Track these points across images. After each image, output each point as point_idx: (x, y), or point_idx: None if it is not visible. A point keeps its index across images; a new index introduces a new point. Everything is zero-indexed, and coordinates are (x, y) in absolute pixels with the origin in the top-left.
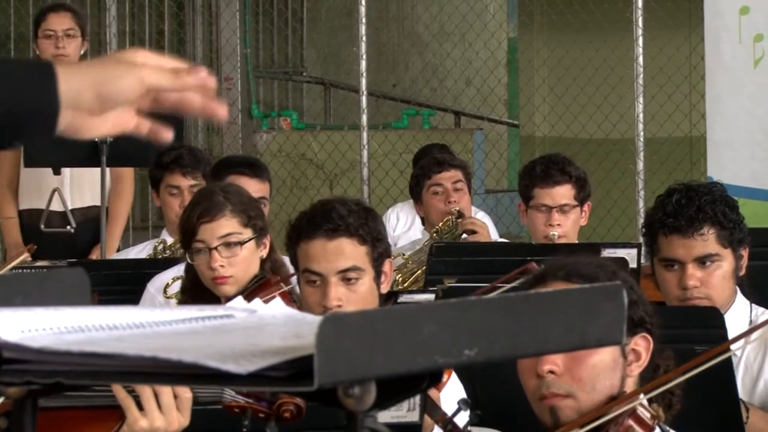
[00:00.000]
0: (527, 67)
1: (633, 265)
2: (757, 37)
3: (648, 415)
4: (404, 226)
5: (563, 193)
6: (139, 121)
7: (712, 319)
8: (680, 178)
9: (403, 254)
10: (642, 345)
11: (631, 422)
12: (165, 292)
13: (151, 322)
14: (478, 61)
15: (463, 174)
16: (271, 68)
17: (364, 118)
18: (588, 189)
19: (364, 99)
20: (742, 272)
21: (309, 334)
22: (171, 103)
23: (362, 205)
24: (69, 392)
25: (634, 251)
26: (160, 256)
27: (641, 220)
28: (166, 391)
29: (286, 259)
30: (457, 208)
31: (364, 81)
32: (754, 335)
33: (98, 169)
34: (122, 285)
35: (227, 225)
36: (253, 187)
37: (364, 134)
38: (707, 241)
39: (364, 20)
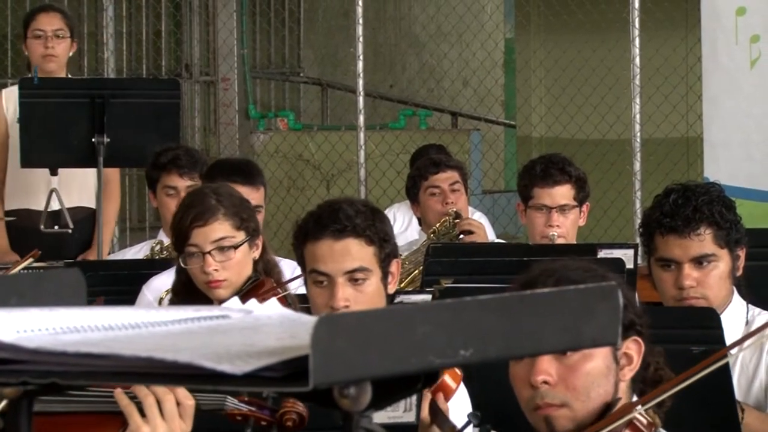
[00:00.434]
0: (524, 67)
1: (630, 265)
2: (753, 38)
3: (645, 422)
4: (401, 227)
5: (563, 193)
6: None
7: (708, 320)
8: (677, 179)
9: (401, 255)
10: (633, 348)
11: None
12: (159, 303)
13: (147, 323)
14: (475, 62)
15: (460, 175)
16: (268, 69)
17: (361, 118)
18: (587, 189)
19: (361, 99)
20: (739, 273)
21: (304, 334)
22: None
23: (370, 205)
24: (70, 397)
25: (631, 252)
26: (157, 257)
27: (638, 221)
28: (169, 398)
29: (279, 260)
30: (454, 209)
31: (361, 81)
32: (751, 339)
33: (87, 170)
34: (119, 286)
35: (220, 229)
36: (248, 196)
37: (361, 135)
38: (704, 241)
39: (361, 21)
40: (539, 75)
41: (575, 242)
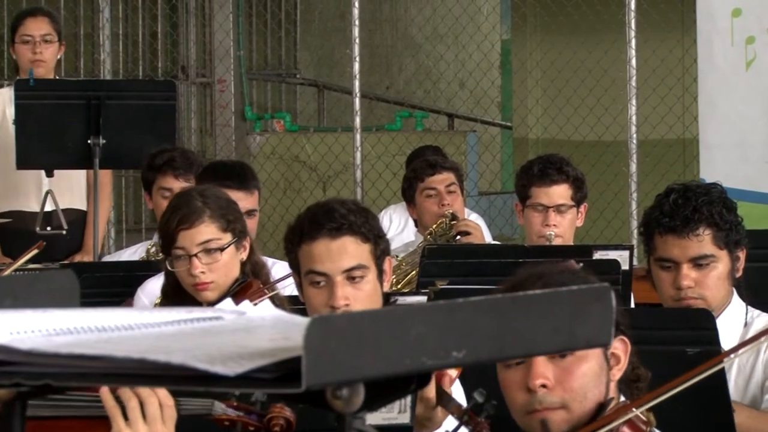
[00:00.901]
0: (520, 69)
1: (625, 267)
2: (749, 39)
3: (641, 422)
4: (397, 229)
5: (560, 192)
6: None
7: (703, 321)
8: (673, 181)
9: (397, 256)
10: (620, 348)
11: (626, 429)
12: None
13: (140, 324)
14: (471, 63)
15: (456, 176)
16: (264, 70)
17: (357, 120)
18: (585, 190)
19: (357, 101)
20: (739, 274)
21: (297, 335)
22: None
23: (359, 204)
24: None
25: (626, 253)
26: (152, 259)
27: (634, 222)
28: (152, 401)
29: (274, 262)
30: (450, 211)
31: (357, 83)
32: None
33: (77, 173)
34: (114, 288)
35: (206, 231)
36: (242, 201)
37: (358, 136)
38: (702, 242)
39: (357, 22)
40: (535, 76)
41: (572, 243)
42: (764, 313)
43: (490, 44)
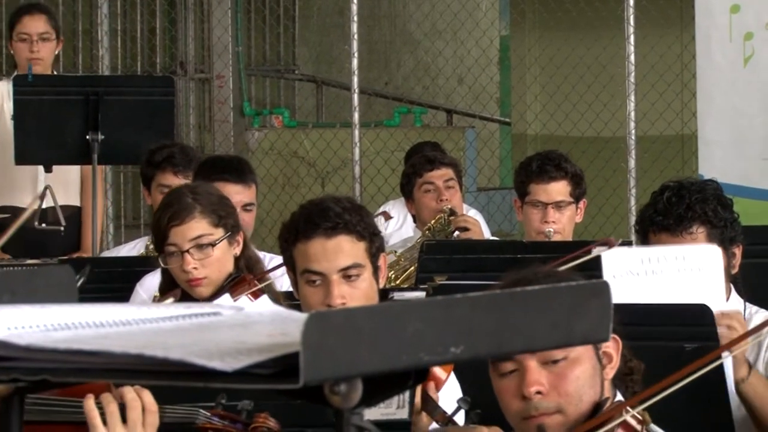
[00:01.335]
0: (519, 65)
1: None
2: (747, 36)
3: (636, 421)
4: (396, 224)
5: (559, 189)
6: None
7: (701, 317)
8: (671, 177)
9: (395, 251)
10: (612, 346)
11: (620, 430)
12: (153, 301)
13: (138, 320)
14: (470, 59)
15: (455, 172)
16: (262, 66)
17: (356, 116)
18: (584, 186)
19: (355, 97)
20: (735, 270)
21: (295, 331)
22: None
23: (353, 201)
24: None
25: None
26: (151, 255)
27: (633, 218)
28: (135, 406)
29: (272, 257)
30: (449, 206)
31: (355, 79)
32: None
33: (70, 168)
34: (113, 283)
35: (197, 227)
36: (239, 194)
37: (356, 132)
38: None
39: (355, 18)
40: (534, 72)
41: (571, 239)
42: (762, 309)
43: (488, 40)
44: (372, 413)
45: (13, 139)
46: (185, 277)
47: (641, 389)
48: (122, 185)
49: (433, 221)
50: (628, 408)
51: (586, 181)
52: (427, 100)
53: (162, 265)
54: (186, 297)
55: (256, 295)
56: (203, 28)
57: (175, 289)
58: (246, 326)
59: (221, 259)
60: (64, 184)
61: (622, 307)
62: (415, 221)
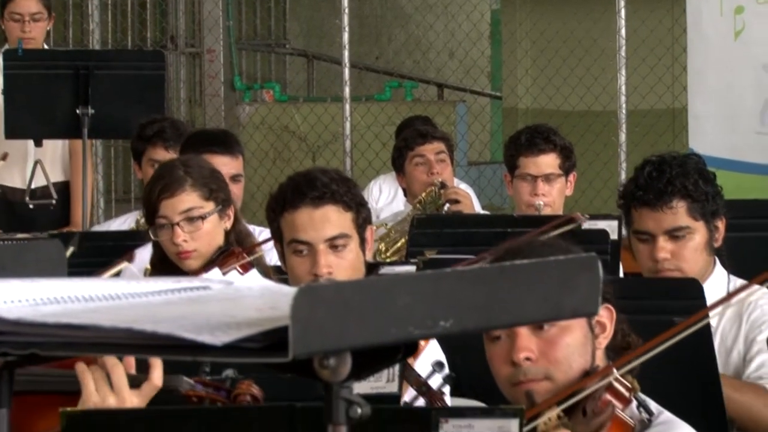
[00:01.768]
0: (510, 39)
1: (614, 236)
2: (737, 9)
3: (624, 387)
4: (387, 198)
5: (548, 162)
6: None
7: (691, 291)
8: (662, 151)
9: (386, 225)
10: (606, 316)
11: (609, 397)
12: (145, 275)
13: (127, 294)
14: (461, 34)
15: (446, 146)
16: (253, 40)
17: (347, 90)
18: (573, 159)
19: (346, 71)
20: (718, 244)
21: (285, 305)
22: None
23: (341, 173)
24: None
25: (615, 223)
26: (142, 229)
27: None
28: (116, 371)
29: (252, 228)
30: (440, 180)
31: (346, 53)
32: (733, 302)
33: (56, 143)
34: (103, 257)
35: (188, 200)
36: (227, 165)
37: (347, 106)
38: (677, 214)
39: None
40: (525, 47)
41: (561, 212)
42: (746, 282)
43: (479, 14)
44: (362, 387)
45: (3, 113)
46: (175, 250)
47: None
48: (113, 159)
49: (423, 194)
50: (615, 370)
51: (576, 155)
52: (418, 75)
53: (152, 237)
54: (174, 272)
55: (245, 268)
56: (194, 2)
57: (164, 261)
58: (235, 300)
59: (211, 233)
60: (52, 161)
61: (611, 281)
62: (405, 195)
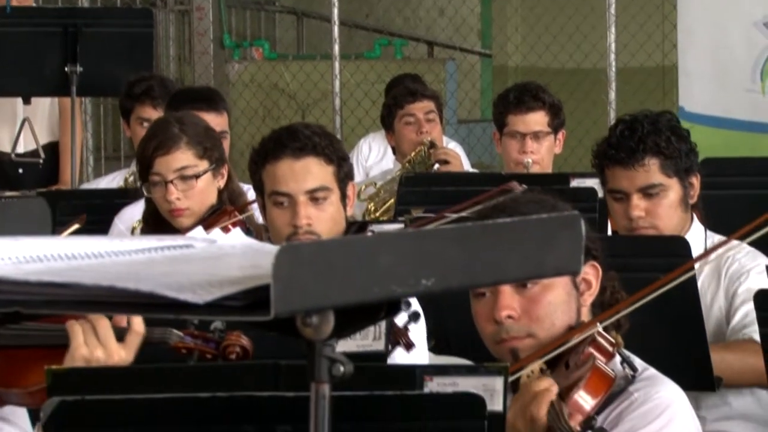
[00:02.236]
0: None
1: (602, 194)
2: None
3: (607, 342)
4: (377, 157)
5: (536, 119)
6: None
7: (677, 248)
8: (652, 108)
9: (375, 183)
10: (591, 273)
11: (591, 350)
12: (132, 233)
13: (110, 252)
14: None
15: (436, 105)
16: None
17: (336, 48)
18: (562, 116)
19: (336, 29)
20: (693, 200)
21: (267, 264)
22: None
23: (324, 128)
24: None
25: None
26: (130, 187)
27: None
28: (101, 324)
29: (245, 187)
30: (429, 139)
31: (336, 11)
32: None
33: (45, 102)
34: (92, 215)
35: (182, 158)
36: (212, 122)
37: (336, 64)
38: (649, 171)
39: None
40: (515, 4)
41: (550, 171)
42: (724, 237)
43: None
44: (348, 345)
45: None
46: (168, 207)
47: (626, 321)
48: (102, 117)
49: (413, 153)
50: (599, 325)
51: (566, 113)
52: (408, 32)
53: (145, 193)
54: (166, 228)
55: (227, 229)
56: None
57: (157, 217)
58: (218, 259)
59: (204, 191)
60: (41, 120)
61: (599, 238)
62: (395, 153)
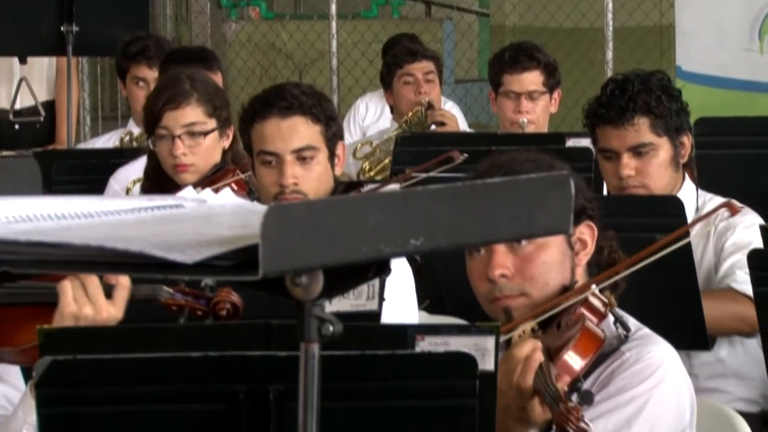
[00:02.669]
0: None
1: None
2: None
3: (600, 303)
4: (374, 116)
5: (532, 79)
6: None
7: (672, 208)
8: (649, 68)
9: (371, 143)
10: (587, 233)
11: (583, 310)
12: (127, 193)
13: (100, 212)
14: None
15: (435, 65)
16: None
17: (333, 7)
18: (557, 76)
19: None
20: (684, 160)
21: (256, 224)
22: None
23: (313, 88)
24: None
25: None
26: (126, 147)
27: None
28: (90, 281)
29: None
30: (427, 99)
31: None
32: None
33: (45, 63)
34: (87, 175)
35: (192, 114)
36: None
37: (333, 24)
38: (639, 130)
39: None
40: None
41: (546, 130)
42: (716, 196)
43: None
44: (342, 304)
45: None
46: (172, 162)
47: (623, 281)
48: (99, 77)
49: (410, 114)
50: (594, 286)
51: (562, 74)
52: None
53: (151, 146)
54: (168, 183)
55: (239, 185)
56: None
57: (159, 172)
58: (208, 218)
59: (210, 149)
60: (39, 80)
61: (594, 198)
62: (392, 112)
